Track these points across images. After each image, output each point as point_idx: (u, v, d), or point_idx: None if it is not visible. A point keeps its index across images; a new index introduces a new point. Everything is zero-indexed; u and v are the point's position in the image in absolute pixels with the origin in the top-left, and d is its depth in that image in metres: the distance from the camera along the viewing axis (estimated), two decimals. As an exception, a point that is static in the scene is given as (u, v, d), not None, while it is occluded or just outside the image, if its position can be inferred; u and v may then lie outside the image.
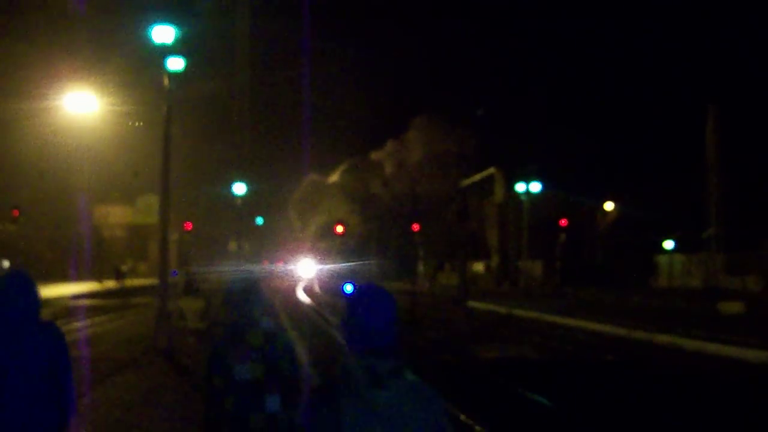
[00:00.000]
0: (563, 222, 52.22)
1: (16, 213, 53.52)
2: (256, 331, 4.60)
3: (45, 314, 5.04)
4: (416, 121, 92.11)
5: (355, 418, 2.87)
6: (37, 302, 4.62)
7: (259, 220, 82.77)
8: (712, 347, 19.36)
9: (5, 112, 50.70)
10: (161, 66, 19.13)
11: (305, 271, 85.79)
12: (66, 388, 4.59)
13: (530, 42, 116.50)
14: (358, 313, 3.06)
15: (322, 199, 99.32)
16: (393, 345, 3.04)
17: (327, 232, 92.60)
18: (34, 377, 4.42)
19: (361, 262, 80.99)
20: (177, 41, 18.81)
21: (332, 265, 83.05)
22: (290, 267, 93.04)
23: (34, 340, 4.49)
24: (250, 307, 4.66)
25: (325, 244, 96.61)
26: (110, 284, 53.25)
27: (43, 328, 4.60)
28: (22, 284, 4.58)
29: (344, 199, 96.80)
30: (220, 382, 4.52)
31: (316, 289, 57.78)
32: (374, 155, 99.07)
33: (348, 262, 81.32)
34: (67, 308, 29.13)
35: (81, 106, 31.97)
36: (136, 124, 39.40)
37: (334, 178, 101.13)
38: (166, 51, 18.78)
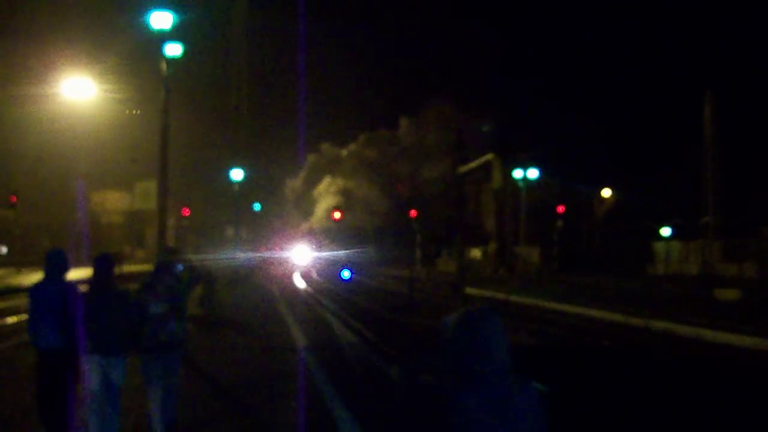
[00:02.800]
0: (560, 208, 52.28)
1: (13, 199, 53.57)
2: (162, 285, 8.01)
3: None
4: (428, 105, 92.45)
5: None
6: (66, 267, 7.96)
7: (257, 206, 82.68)
8: (709, 333, 19.44)
9: (3, 99, 50.64)
10: (159, 52, 19.12)
11: (301, 259, 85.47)
12: (74, 319, 7.54)
13: (530, 29, 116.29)
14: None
15: (335, 169, 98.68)
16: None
17: (326, 217, 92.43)
18: (57, 310, 7.64)
19: (359, 250, 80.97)
20: (175, 27, 18.81)
21: (329, 253, 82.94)
22: (287, 254, 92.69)
23: (58, 289, 7.79)
24: (164, 272, 8.18)
25: (324, 230, 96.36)
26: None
27: (62, 282, 7.88)
28: (59, 256, 7.98)
29: (362, 169, 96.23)
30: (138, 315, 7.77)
31: (314, 275, 57.86)
32: (384, 133, 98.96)
33: (346, 249, 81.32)
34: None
35: (79, 93, 31.92)
36: (134, 112, 39.37)
37: (353, 147, 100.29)
38: (164, 37, 18.77)
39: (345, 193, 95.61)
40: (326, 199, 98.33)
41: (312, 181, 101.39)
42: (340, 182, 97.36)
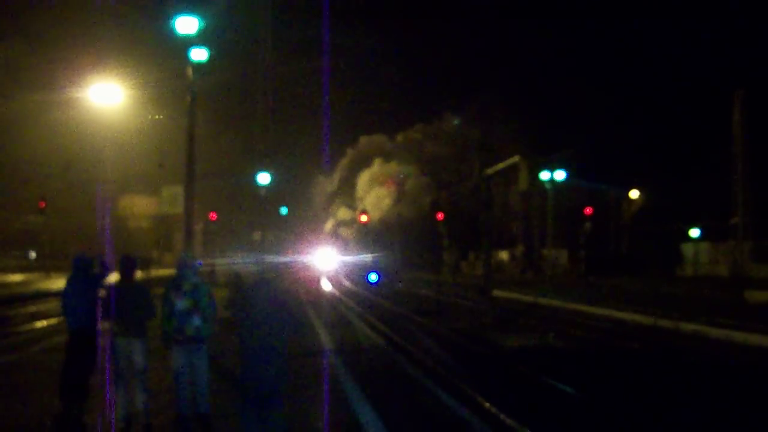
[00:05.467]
0: (588, 210, 51.93)
1: (42, 204, 54.06)
2: (187, 283, 8.88)
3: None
4: (467, 105, 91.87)
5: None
6: (91, 264, 9.91)
7: (284, 210, 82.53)
8: (739, 336, 19.22)
9: (31, 104, 51.07)
10: (185, 57, 19.16)
11: (329, 263, 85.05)
12: (97, 305, 9.53)
13: (557, 29, 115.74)
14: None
15: (387, 157, 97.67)
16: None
17: (377, 207, 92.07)
18: (85, 299, 9.57)
19: (384, 254, 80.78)
20: (200, 32, 18.83)
21: (357, 257, 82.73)
22: (314, 258, 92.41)
23: (89, 281, 9.76)
24: (185, 271, 9.03)
25: (352, 233, 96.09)
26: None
27: (89, 276, 9.87)
28: (86, 258, 9.93)
29: (414, 157, 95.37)
30: (167, 310, 8.75)
31: (342, 279, 57.84)
32: (415, 134, 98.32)
33: (373, 252, 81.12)
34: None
35: (105, 98, 32.03)
36: (156, 117, 39.50)
37: (407, 134, 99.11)
38: (189, 42, 18.80)
39: (397, 180, 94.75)
40: (375, 189, 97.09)
41: (349, 183, 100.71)
42: (393, 167, 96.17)
